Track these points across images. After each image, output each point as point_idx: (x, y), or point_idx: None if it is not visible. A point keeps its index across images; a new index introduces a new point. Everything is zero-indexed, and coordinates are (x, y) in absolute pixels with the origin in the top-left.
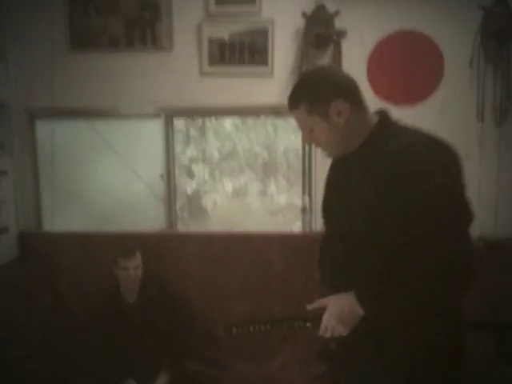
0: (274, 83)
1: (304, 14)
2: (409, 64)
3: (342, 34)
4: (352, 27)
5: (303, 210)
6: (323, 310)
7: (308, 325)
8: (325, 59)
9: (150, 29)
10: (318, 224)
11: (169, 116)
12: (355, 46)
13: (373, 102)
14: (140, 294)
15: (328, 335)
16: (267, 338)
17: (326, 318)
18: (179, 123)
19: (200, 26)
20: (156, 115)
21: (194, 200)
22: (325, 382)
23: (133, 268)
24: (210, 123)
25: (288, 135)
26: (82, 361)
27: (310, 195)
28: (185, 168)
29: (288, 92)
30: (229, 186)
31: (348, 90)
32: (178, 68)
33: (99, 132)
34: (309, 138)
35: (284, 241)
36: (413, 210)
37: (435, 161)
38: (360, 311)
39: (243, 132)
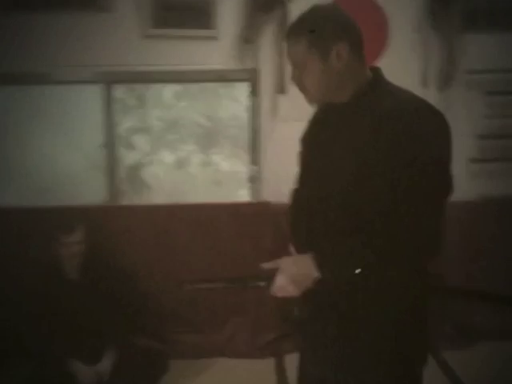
0: (219, 47)
1: None
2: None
3: None
4: None
5: (251, 179)
6: (276, 270)
7: (261, 283)
8: (271, 23)
9: None
10: (267, 193)
11: (108, 82)
12: (301, 11)
13: None
14: (83, 270)
15: (279, 295)
16: (216, 309)
17: (278, 277)
18: (118, 91)
19: None
20: (94, 81)
21: (134, 173)
22: (273, 351)
23: (74, 244)
24: (150, 91)
25: (232, 104)
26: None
27: (257, 164)
28: (124, 139)
29: (233, 57)
30: (171, 157)
31: (354, 35)
32: (117, 31)
33: (34, 99)
34: (298, 76)
35: (232, 210)
36: (400, 173)
37: (431, 127)
38: (315, 273)
39: (185, 101)
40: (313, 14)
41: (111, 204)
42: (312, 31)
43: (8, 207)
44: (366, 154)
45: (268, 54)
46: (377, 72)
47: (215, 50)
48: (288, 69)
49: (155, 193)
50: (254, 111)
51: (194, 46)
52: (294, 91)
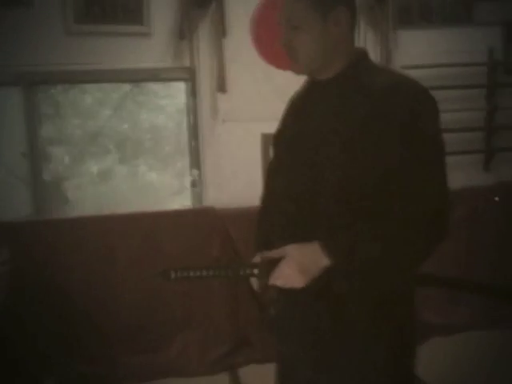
0: (151, 44)
1: None
2: None
3: None
4: None
5: (192, 184)
6: (275, 260)
7: (255, 271)
8: (207, 18)
9: None
10: (208, 198)
11: (28, 84)
12: (239, 5)
13: (258, 65)
14: (10, 293)
15: (281, 283)
16: (162, 326)
17: (283, 264)
18: (36, 98)
19: None
20: (12, 83)
21: (53, 187)
22: (224, 365)
23: None
24: (70, 96)
25: (167, 106)
26: None
27: (198, 168)
28: (42, 150)
29: (168, 55)
30: (93, 168)
31: (353, 4)
32: (38, 27)
33: None
34: (290, 39)
35: (174, 218)
36: (397, 150)
37: (424, 104)
38: (324, 262)
39: (107, 107)
40: None
41: (39, 219)
42: None
43: None
44: (362, 128)
45: (206, 51)
46: (363, 51)
47: (148, 47)
48: (228, 66)
49: (79, 208)
50: (192, 112)
51: (125, 44)
52: (234, 90)
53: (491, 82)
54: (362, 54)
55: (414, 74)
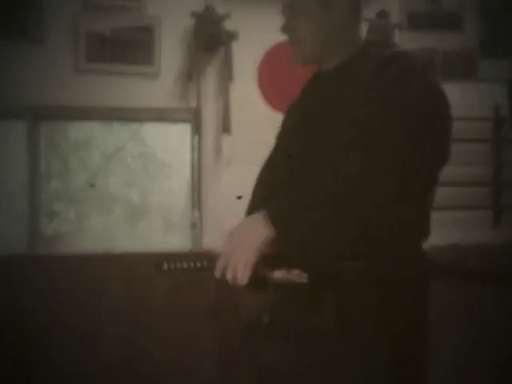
0: (159, 85)
1: (193, 14)
2: (302, 72)
3: (232, 36)
4: (243, 30)
5: (192, 226)
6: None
7: (204, 263)
8: (215, 62)
9: (19, 17)
10: (209, 240)
11: (35, 117)
12: (246, 50)
13: (263, 110)
14: None
15: (229, 274)
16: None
17: (224, 245)
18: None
19: (77, 17)
20: (20, 116)
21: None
22: None
23: None
24: (74, 133)
25: (171, 146)
26: None
27: (199, 209)
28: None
29: (174, 95)
30: (96, 227)
31: None
32: (48, 63)
33: None
34: (291, 26)
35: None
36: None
37: (438, 94)
38: (266, 231)
39: (113, 147)
40: None
41: (31, 254)
42: None
43: None
44: (368, 119)
45: (211, 92)
46: (368, 42)
47: (154, 87)
48: (233, 108)
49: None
50: (197, 152)
51: (132, 83)
52: (238, 131)
53: (497, 138)
54: (367, 45)
55: None
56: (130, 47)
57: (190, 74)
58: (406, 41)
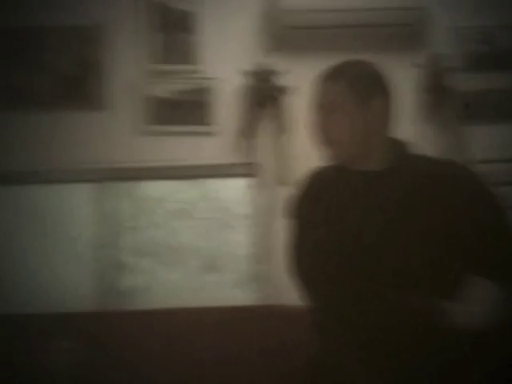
0: (216, 143)
1: (247, 72)
2: None
3: (286, 91)
4: (298, 85)
5: (256, 279)
6: None
7: None
8: (270, 117)
9: (84, 87)
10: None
11: (101, 179)
12: (301, 106)
13: (319, 162)
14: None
15: None
16: None
17: None
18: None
19: (137, 83)
20: (87, 179)
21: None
22: None
23: (67, 351)
24: (136, 192)
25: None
26: None
27: (265, 263)
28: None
29: (231, 152)
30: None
31: (390, 97)
32: (112, 128)
33: (24, 199)
34: (328, 120)
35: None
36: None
37: (482, 180)
38: None
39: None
40: (359, 63)
41: (103, 310)
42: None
43: None
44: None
45: (269, 146)
46: (401, 141)
47: (212, 145)
48: (289, 161)
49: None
50: (260, 205)
51: (192, 142)
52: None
53: None
54: (402, 144)
55: (480, 168)
56: (189, 108)
57: (248, 130)
58: (461, 82)
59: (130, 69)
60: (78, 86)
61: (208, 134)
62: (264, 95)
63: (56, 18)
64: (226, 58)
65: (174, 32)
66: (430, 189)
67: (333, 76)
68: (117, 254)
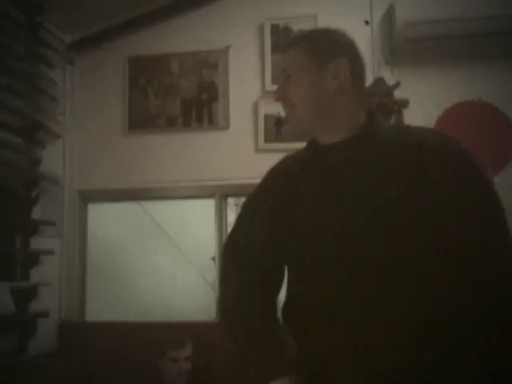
0: None
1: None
2: (476, 136)
3: (402, 104)
4: (413, 98)
5: None
6: None
7: None
8: None
9: (207, 108)
10: None
11: (222, 195)
12: (418, 117)
13: None
14: None
15: None
16: None
17: None
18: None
19: (256, 103)
20: (209, 195)
21: None
22: None
23: (183, 360)
24: None
25: None
26: None
27: None
28: None
29: None
30: None
31: (356, 60)
32: (233, 146)
33: (151, 214)
34: (284, 87)
35: None
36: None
37: (472, 158)
38: None
39: None
40: (317, 29)
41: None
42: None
43: (114, 322)
44: (417, 183)
45: None
46: (372, 117)
47: None
48: None
49: None
50: None
51: None
52: None
53: None
54: (372, 120)
55: None
56: None
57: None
58: None
59: (251, 91)
60: (205, 108)
61: None
62: (381, 109)
63: (184, 44)
64: None
65: None
66: (406, 158)
67: (293, 42)
68: None
